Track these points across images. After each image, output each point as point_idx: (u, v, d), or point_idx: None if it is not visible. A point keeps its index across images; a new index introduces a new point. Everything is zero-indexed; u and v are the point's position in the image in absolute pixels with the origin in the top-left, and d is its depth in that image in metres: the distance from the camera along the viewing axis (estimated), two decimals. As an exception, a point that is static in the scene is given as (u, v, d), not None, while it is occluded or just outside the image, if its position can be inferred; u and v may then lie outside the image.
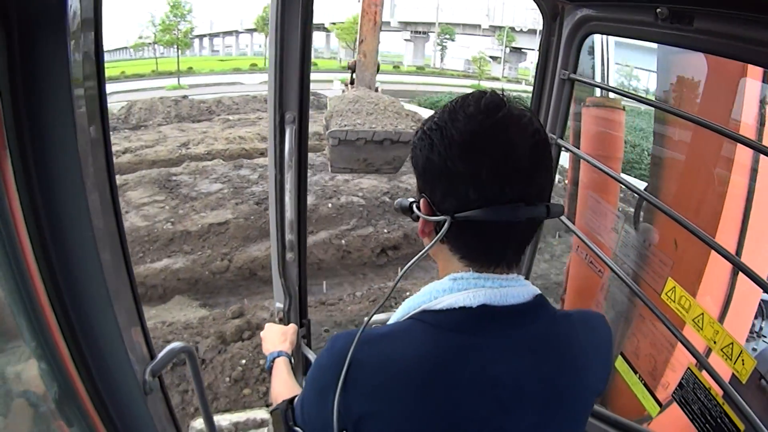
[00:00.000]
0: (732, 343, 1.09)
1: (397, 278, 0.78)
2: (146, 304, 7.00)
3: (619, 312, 1.72)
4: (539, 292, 0.73)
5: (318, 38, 49.46)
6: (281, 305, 1.70)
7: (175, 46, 30.89)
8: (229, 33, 53.84)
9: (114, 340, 0.88)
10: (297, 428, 0.84)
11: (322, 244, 8.68)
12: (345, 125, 4.27)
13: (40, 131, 0.76)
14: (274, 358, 1.17)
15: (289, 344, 1.24)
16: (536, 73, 1.65)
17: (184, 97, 18.54)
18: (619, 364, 1.40)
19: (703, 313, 1.13)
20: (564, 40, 1.53)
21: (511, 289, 0.70)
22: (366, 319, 0.73)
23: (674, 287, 1.20)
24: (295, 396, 0.87)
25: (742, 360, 1.07)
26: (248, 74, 31.16)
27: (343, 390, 0.67)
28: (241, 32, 53.08)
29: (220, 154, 12.43)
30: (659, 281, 1.30)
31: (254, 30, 43.30)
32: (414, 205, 0.76)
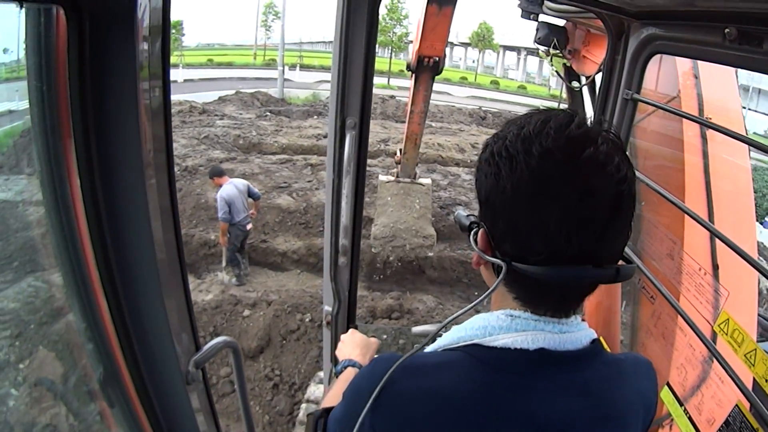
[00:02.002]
0: (786, 383, 1.04)
1: (448, 320, 0.71)
2: (317, 274, 7.13)
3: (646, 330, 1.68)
4: (595, 336, 0.70)
5: (532, 63, 49.02)
6: (330, 309, 1.70)
7: (389, 48, 31.69)
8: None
9: (162, 330, 0.90)
10: None
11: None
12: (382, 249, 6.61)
13: (104, 122, 0.78)
14: (347, 366, 1.09)
15: (368, 360, 1.14)
16: (599, 91, 1.60)
17: (392, 97, 18.46)
18: (665, 394, 1.35)
19: (755, 349, 1.07)
20: (629, 59, 1.47)
21: (570, 335, 0.66)
22: (408, 353, 0.68)
23: (728, 319, 1.14)
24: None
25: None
26: (457, 86, 30.56)
27: (373, 417, 0.64)
28: (456, 45, 51.76)
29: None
30: (712, 311, 1.24)
31: (468, 44, 42.13)
32: (472, 231, 0.70)
